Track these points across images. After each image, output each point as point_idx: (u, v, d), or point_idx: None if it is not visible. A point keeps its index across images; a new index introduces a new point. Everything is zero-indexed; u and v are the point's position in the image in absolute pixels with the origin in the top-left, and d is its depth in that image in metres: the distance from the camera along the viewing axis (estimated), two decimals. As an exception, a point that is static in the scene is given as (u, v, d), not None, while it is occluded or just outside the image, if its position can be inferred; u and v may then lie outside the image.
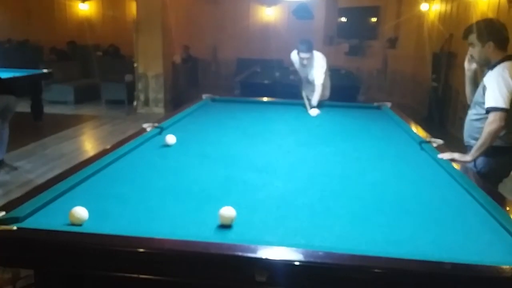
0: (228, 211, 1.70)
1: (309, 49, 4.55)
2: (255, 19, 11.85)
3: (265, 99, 4.80)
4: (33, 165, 5.32)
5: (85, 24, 11.92)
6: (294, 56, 4.85)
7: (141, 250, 1.47)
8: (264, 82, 6.74)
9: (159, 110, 8.71)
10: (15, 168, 5.20)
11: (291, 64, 5.16)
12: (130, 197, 1.96)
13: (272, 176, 2.32)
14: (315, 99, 4.44)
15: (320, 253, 1.40)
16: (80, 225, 1.65)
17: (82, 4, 12.35)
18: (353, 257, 1.41)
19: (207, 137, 3.15)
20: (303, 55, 4.55)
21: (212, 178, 2.26)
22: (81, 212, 1.66)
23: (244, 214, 1.81)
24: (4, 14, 12.01)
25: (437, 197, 2.08)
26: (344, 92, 6.37)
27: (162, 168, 2.41)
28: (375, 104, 4.45)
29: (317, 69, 4.69)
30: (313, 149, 2.90)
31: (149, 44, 8.41)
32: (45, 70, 7.59)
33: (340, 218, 1.81)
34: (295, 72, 8.05)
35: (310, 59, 4.62)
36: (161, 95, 8.78)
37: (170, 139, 2.82)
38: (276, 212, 1.85)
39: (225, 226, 1.68)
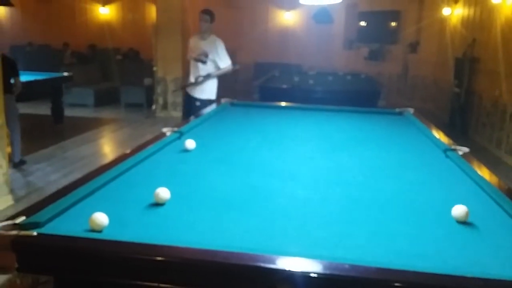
0: (163, 193, 1.90)
1: (209, 12, 5.16)
2: (274, 23, 11.83)
3: (284, 104, 4.76)
4: (53, 168, 5.37)
5: (105, 27, 12.05)
6: (192, 37, 5.42)
7: (160, 258, 1.44)
8: (283, 87, 6.71)
9: (177, 113, 8.74)
10: (24, 162, 5.28)
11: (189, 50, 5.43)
12: (149, 203, 1.93)
13: (293, 183, 2.28)
14: (216, 72, 5.07)
15: (346, 266, 1.35)
16: (100, 231, 1.63)
17: (102, 8, 12.49)
18: (380, 270, 1.36)
19: (226, 142, 3.12)
20: (202, 15, 5.08)
21: (232, 184, 2.23)
22: (101, 218, 1.64)
23: (265, 222, 1.78)
24: (26, 18, 12.23)
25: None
26: (364, 97, 6.32)
27: (182, 174, 2.39)
28: (397, 110, 4.37)
29: (221, 51, 5.16)
30: (334, 156, 2.85)
31: (169, 48, 8.45)
32: (65, 73, 7.68)
33: (364, 228, 1.76)
34: (313, 76, 8.05)
35: (209, 26, 5.13)
36: (179, 99, 8.80)
37: (190, 144, 2.80)
38: (298, 221, 1.81)
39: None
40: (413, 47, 10.54)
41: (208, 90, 5.20)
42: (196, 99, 5.12)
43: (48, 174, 5.15)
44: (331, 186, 2.26)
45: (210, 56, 5.07)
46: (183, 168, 2.49)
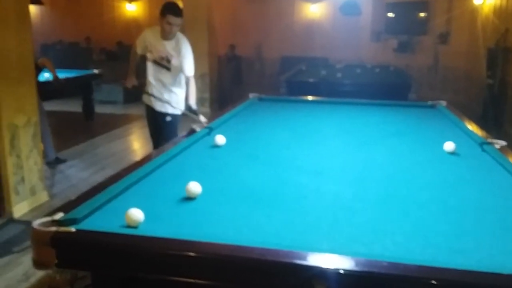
0: (194, 187, 1.91)
1: (181, 14, 3.68)
2: (300, 17, 11.73)
3: (312, 98, 4.72)
4: (85, 164, 5.47)
5: (132, 24, 12.18)
6: (151, 30, 3.90)
7: (196, 254, 1.44)
8: (310, 81, 6.64)
9: (205, 109, 8.78)
10: (62, 161, 5.39)
11: (142, 44, 3.95)
12: (182, 199, 1.95)
13: (324, 178, 2.25)
14: (193, 97, 3.66)
15: (384, 263, 1.32)
16: (136, 227, 1.65)
17: (129, 4, 12.63)
18: (419, 268, 1.33)
19: (255, 138, 3.12)
20: (174, 19, 3.59)
21: (263, 180, 2.22)
22: (137, 214, 1.66)
23: (298, 219, 1.76)
24: (56, 16, 12.48)
25: (504, 202, 1.95)
26: (394, 90, 6.19)
27: (213, 170, 2.39)
28: (429, 102, 4.27)
29: (188, 54, 3.76)
30: (366, 150, 2.80)
31: (195, 43, 8.38)
32: (95, 71, 7.81)
33: (400, 224, 1.72)
34: (341, 69, 7.94)
35: (177, 35, 3.77)
36: (206, 95, 8.85)
37: (220, 139, 2.81)
38: (332, 217, 1.78)
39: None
40: (444, 38, 10.28)
41: (181, 102, 3.97)
42: (166, 114, 3.92)
43: (80, 170, 5.26)
44: (364, 181, 2.22)
45: (174, 61, 3.78)
46: (213, 163, 2.50)
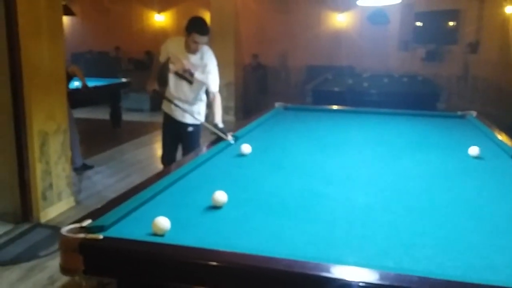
0: (220, 196, 1.92)
1: (208, 32, 3.50)
2: (326, 26, 11.70)
3: (338, 107, 4.68)
4: (111, 171, 5.54)
5: (161, 34, 12.37)
6: (175, 41, 3.72)
7: (223, 264, 1.43)
8: (336, 90, 6.60)
9: (230, 118, 8.81)
10: (89, 167, 5.48)
11: (165, 53, 3.77)
12: (208, 208, 1.94)
13: (351, 189, 2.22)
14: (219, 115, 3.45)
15: (415, 278, 1.28)
16: (162, 235, 1.65)
17: (158, 15, 12.83)
18: (450, 284, 1.28)
19: (282, 147, 3.10)
20: (200, 38, 3.44)
21: (289, 190, 2.20)
22: (164, 222, 1.66)
23: (326, 230, 1.73)
24: (86, 27, 12.78)
25: (540, 218, 1.88)
26: (422, 99, 6.09)
27: (239, 179, 2.38)
28: (459, 112, 4.18)
29: (213, 69, 3.58)
30: (394, 161, 2.75)
31: (222, 52, 8.49)
32: (123, 79, 7.94)
33: (430, 239, 1.68)
34: (367, 79, 7.86)
35: (202, 48, 3.56)
36: (232, 103, 8.89)
37: (246, 148, 2.80)
38: (360, 230, 1.75)
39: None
40: (473, 47, 10.08)
41: (202, 112, 3.83)
42: (187, 125, 3.77)
43: (107, 177, 5.32)
44: (393, 193, 2.17)
45: (197, 75, 3.54)
46: (239, 172, 2.49)
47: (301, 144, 3.17)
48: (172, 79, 3.74)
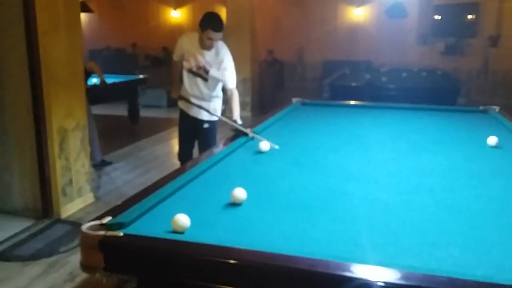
0: (239, 193, 1.90)
1: (223, 28, 3.41)
2: (343, 20, 11.59)
3: (356, 102, 4.62)
4: (130, 167, 5.57)
5: (177, 31, 12.40)
6: (189, 38, 3.63)
7: (243, 263, 1.41)
8: (354, 85, 6.53)
9: (246, 114, 8.78)
10: (108, 163, 5.53)
11: (180, 51, 3.69)
12: (227, 205, 1.92)
13: (374, 187, 2.17)
14: (237, 112, 3.40)
15: (444, 279, 1.24)
16: (182, 232, 1.64)
17: (174, 11, 12.86)
18: (481, 286, 1.24)
19: (300, 143, 3.07)
20: (215, 34, 3.38)
21: (309, 187, 2.17)
22: (183, 220, 1.65)
23: (348, 228, 1.70)
24: (103, 23, 12.87)
25: None
26: (442, 94, 6.00)
27: (257, 175, 2.36)
28: (481, 107, 4.08)
29: (229, 65, 3.52)
30: (416, 157, 2.69)
31: (238, 48, 8.48)
32: (140, 76, 7.97)
33: (456, 238, 1.63)
34: (386, 73, 7.75)
35: (217, 44, 3.51)
36: (248, 99, 8.86)
37: (264, 145, 2.78)
38: (383, 228, 1.71)
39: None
40: (494, 40, 9.89)
41: (218, 109, 3.80)
42: (203, 122, 3.72)
43: (125, 172, 5.35)
44: (416, 190, 2.13)
45: (212, 71, 3.51)
46: (258, 169, 2.47)
47: (320, 140, 3.14)
48: (186, 76, 3.68)
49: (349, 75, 7.60)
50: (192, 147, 3.93)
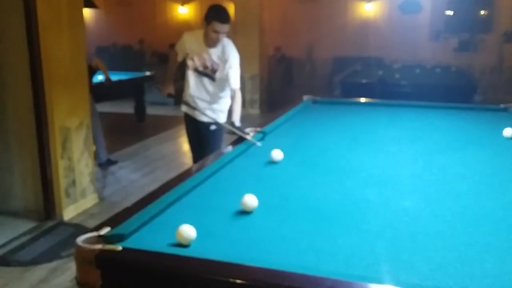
0: (250, 200, 1.75)
1: (229, 20, 3.19)
2: (353, 16, 11.38)
3: (370, 100, 4.44)
4: (136, 166, 5.44)
5: (184, 27, 12.25)
6: (193, 35, 3.41)
7: (253, 283, 1.26)
8: (366, 82, 6.34)
9: (255, 111, 8.64)
10: (113, 162, 5.39)
11: (182, 50, 3.47)
12: (237, 213, 1.77)
13: (395, 192, 2.01)
14: (237, 114, 3.15)
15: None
16: (187, 245, 1.49)
17: (181, 7, 12.72)
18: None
19: (312, 144, 2.90)
20: (221, 27, 3.15)
21: (325, 193, 2.00)
22: (189, 231, 1.50)
23: (370, 241, 1.54)
24: (109, 19, 12.76)
25: None
26: (458, 91, 5.79)
27: (269, 180, 2.20)
28: (502, 105, 3.89)
29: (235, 63, 3.28)
30: (438, 159, 2.52)
31: (246, 45, 8.33)
32: (147, 73, 7.84)
33: (493, 252, 1.46)
34: (398, 70, 7.55)
35: (223, 41, 3.27)
36: (256, 96, 8.71)
37: (277, 155, 2.43)
38: (408, 241, 1.55)
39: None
40: (509, 36, 9.64)
41: (225, 109, 3.53)
42: (209, 123, 3.46)
43: (131, 172, 5.22)
44: (441, 196, 1.96)
45: (219, 71, 3.31)
46: (269, 172, 2.31)
47: (333, 140, 2.97)
48: (191, 77, 3.42)
49: (360, 71, 7.41)
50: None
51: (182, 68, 3.62)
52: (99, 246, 1.41)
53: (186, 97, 3.51)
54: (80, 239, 1.44)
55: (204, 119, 3.49)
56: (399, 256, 1.44)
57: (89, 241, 1.44)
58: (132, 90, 7.57)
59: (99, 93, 5.72)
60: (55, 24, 3.69)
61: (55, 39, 3.69)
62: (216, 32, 3.16)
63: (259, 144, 2.75)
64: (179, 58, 3.54)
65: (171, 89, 3.58)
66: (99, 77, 6.07)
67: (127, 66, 8.62)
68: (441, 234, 1.59)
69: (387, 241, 1.54)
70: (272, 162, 2.41)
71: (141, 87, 7.70)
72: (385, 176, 2.23)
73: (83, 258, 1.40)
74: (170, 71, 3.71)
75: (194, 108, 3.46)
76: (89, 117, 4.15)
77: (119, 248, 1.41)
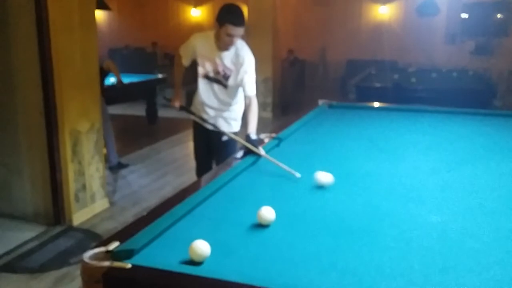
0: (267, 213, 1.65)
1: (244, 22, 2.93)
2: (367, 19, 11.24)
3: (388, 105, 4.30)
4: (147, 170, 5.37)
5: (197, 29, 12.20)
6: (203, 38, 3.14)
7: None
8: (381, 86, 6.20)
9: (267, 114, 8.53)
10: (124, 166, 5.33)
11: (190, 54, 3.21)
12: (253, 226, 1.66)
13: (420, 205, 1.89)
14: (253, 124, 2.87)
15: None
16: (201, 262, 1.39)
17: (194, 9, 12.67)
18: None
19: (331, 152, 2.79)
20: (235, 30, 2.88)
21: (346, 205, 1.89)
22: (203, 247, 1.40)
23: (398, 260, 1.42)
24: (122, 22, 12.76)
25: None
26: (476, 96, 5.63)
27: (285, 190, 2.09)
28: (527, 112, 3.74)
29: (250, 68, 3.03)
30: (467, 170, 2.38)
31: (259, 47, 8.22)
32: (159, 75, 7.78)
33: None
34: (414, 74, 7.38)
35: (236, 43, 3.00)
36: (269, 99, 8.60)
37: (325, 178, 2.08)
38: (440, 259, 1.43)
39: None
40: (527, 39, 9.43)
41: (239, 117, 3.29)
42: (222, 134, 3.14)
43: (142, 176, 5.15)
44: (473, 211, 1.83)
45: (232, 77, 3.06)
46: (285, 183, 2.19)
47: (352, 147, 2.85)
48: (202, 84, 3.16)
49: (375, 75, 7.27)
50: (212, 163, 3.40)
51: (193, 70, 3.32)
52: (107, 263, 1.31)
53: (196, 105, 3.26)
54: (87, 255, 1.35)
55: (217, 128, 3.20)
56: (431, 276, 1.32)
57: (96, 257, 1.35)
58: (144, 93, 7.52)
59: (111, 95, 5.67)
60: (67, 26, 3.62)
61: (66, 41, 3.62)
62: (230, 35, 2.90)
63: (298, 175, 2.24)
64: (185, 62, 3.28)
65: (181, 101, 3.32)
66: (111, 79, 6.01)
67: (139, 69, 8.56)
68: (473, 252, 1.47)
69: (416, 260, 1.42)
70: (320, 187, 2.06)
71: (153, 89, 7.65)
72: (408, 187, 2.11)
73: (90, 276, 1.31)
74: (177, 79, 3.42)
75: (204, 120, 3.18)
76: (100, 120, 4.08)
77: (129, 265, 1.31)
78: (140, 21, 12.68)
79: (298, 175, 2.23)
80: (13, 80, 3.61)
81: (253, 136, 2.70)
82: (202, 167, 3.38)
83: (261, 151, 2.54)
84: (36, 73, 3.50)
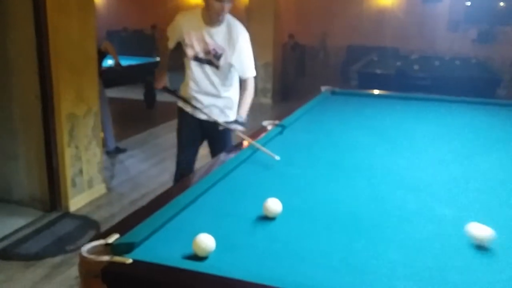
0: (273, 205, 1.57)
1: None
2: (370, 4, 11.07)
3: (392, 92, 4.22)
4: (145, 155, 5.29)
5: (196, 12, 12.02)
6: (189, 15, 2.86)
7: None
8: (384, 73, 6.11)
9: (267, 100, 8.43)
10: (122, 150, 5.25)
11: (176, 35, 2.93)
12: (258, 219, 1.59)
13: (433, 198, 1.81)
14: (245, 107, 2.74)
15: None
16: (205, 257, 1.32)
17: (194, -8, 12.44)
18: None
19: (335, 140, 2.70)
20: (226, 4, 2.60)
21: (356, 198, 1.81)
22: (207, 242, 1.33)
23: (414, 257, 1.36)
24: (120, 3, 12.55)
25: None
26: (480, 85, 5.55)
27: (292, 181, 2.01)
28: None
29: (245, 46, 2.77)
30: (473, 161, 2.31)
31: (260, 32, 8.10)
32: (158, 58, 7.65)
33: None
34: (417, 61, 7.27)
35: (228, 19, 2.75)
36: (269, 85, 8.49)
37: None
38: (459, 258, 1.36)
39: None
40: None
41: (235, 106, 2.97)
42: (216, 124, 2.80)
43: (140, 161, 5.07)
44: (486, 205, 1.76)
45: (224, 56, 2.77)
46: (292, 173, 2.12)
47: (358, 137, 2.77)
48: (192, 66, 2.87)
49: (377, 62, 7.18)
50: (196, 155, 3.12)
51: (174, 55, 3.15)
52: (106, 258, 1.24)
53: (187, 92, 2.96)
54: (85, 249, 1.27)
55: (206, 117, 2.93)
56: (449, 277, 1.26)
57: (95, 250, 1.28)
58: (142, 76, 7.39)
59: (109, 78, 5.55)
60: (64, 8, 3.50)
61: (63, 23, 3.50)
62: (220, 1, 2.56)
63: (277, 157, 2.20)
64: (170, 45, 3.00)
65: (165, 81, 3.12)
66: (109, 62, 5.89)
67: (138, 51, 8.42)
68: (492, 250, 1.40)
69: (432, 256, 1.36)
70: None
71: (151, 72, 7.49)
72: (419, 179, 2.04)
73: (88, 271, 1.23)
74: (163, 61, 3.26)
75: (195, 108, 2.92)
76: (98, 104, 3.98)
77: (129, 260, 1.24)
78: (139, 3, 12.46)
79: (277, 157, 2.19)
80: (9, 63, 3.50)
81: (244, 118, 2.63)
82: (185, 160, 3.12)
83: (237, 127, 2.57)
84: (33, 55, 3.39)
